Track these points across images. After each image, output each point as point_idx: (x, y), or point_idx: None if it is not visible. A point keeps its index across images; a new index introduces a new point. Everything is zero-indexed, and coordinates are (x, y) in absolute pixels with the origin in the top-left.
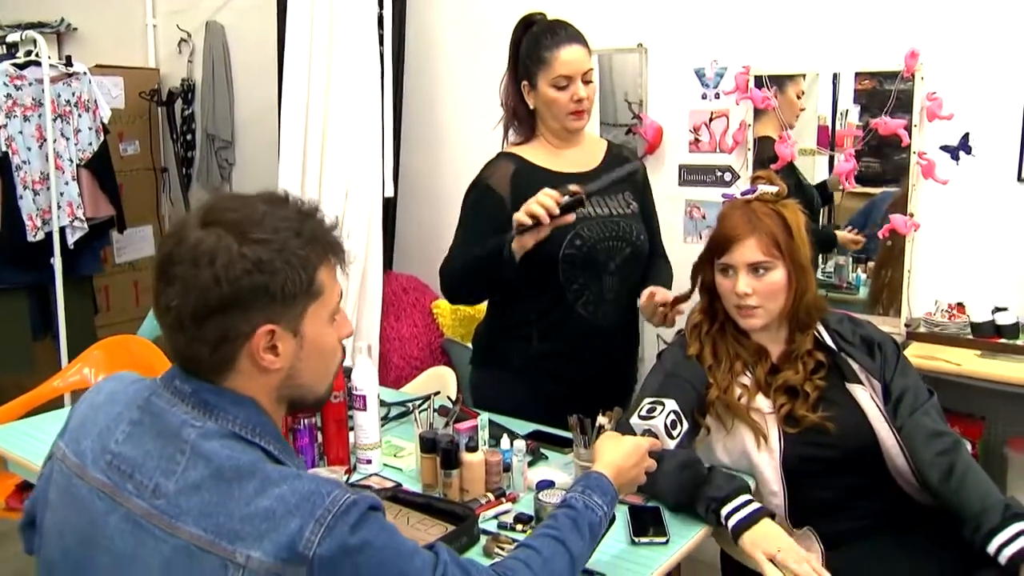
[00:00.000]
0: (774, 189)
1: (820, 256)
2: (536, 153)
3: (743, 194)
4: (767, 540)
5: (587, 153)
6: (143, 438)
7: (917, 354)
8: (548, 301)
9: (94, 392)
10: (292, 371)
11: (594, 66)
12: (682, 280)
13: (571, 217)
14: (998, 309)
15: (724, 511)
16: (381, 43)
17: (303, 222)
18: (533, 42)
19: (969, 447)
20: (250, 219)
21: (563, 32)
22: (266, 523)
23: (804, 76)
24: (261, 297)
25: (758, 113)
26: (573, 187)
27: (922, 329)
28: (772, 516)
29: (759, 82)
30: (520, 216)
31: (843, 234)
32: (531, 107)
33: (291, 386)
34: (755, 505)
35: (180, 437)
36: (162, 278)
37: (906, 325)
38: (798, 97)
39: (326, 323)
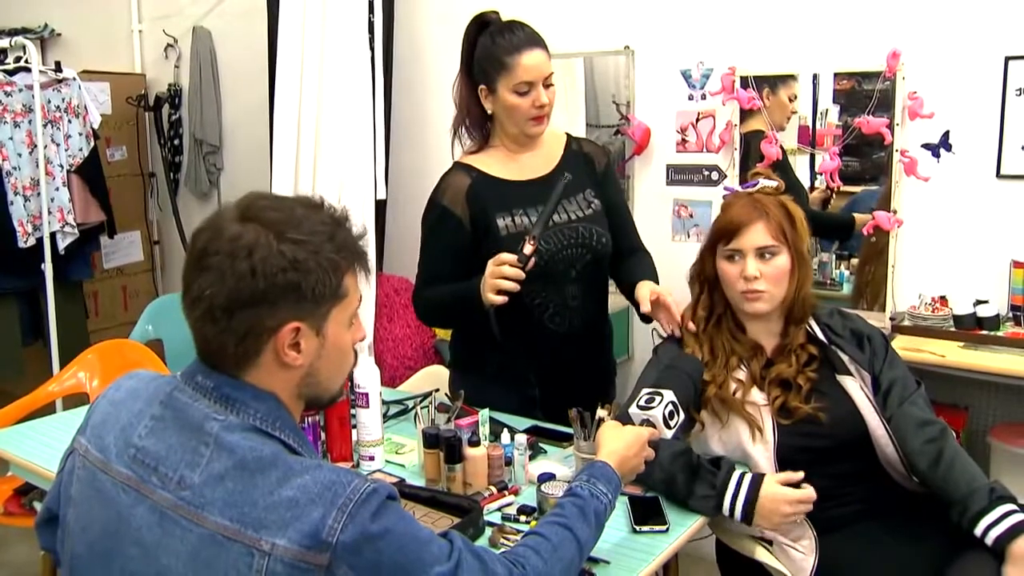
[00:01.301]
0: (773, 184)
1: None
2: (491, 162)
3: (744, 187)
4: (770, 516)
5: (544, 156)
6: (166, 432)
7: (902, 346)
8: (514, 316)
9: (114, 389)
10: (311, 369)
11: (571, 69)
12: (670, 275)
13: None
14: (979, 302)
15: (725, 506)
16: (371, 49)
17: (336, 228)
18: (491, 44)
19: (955, 437)
20: (289, 220)
21: (522, 34)
22: (290, 512)
23: (796, 79)
24: (292, 295)
25: (749, 112)
26: (527, 249)
27: (906, 322)
28: (762, 477)
29: (744, 82)
30: (495, 298)
31: (862, 217)
32: (488, 111)
33: (309, 384)
34: (748, 480)
35: (203, 430)
36: (196, 267)
37: (891, 319)
38: (790, 100)
39: (345, 326)
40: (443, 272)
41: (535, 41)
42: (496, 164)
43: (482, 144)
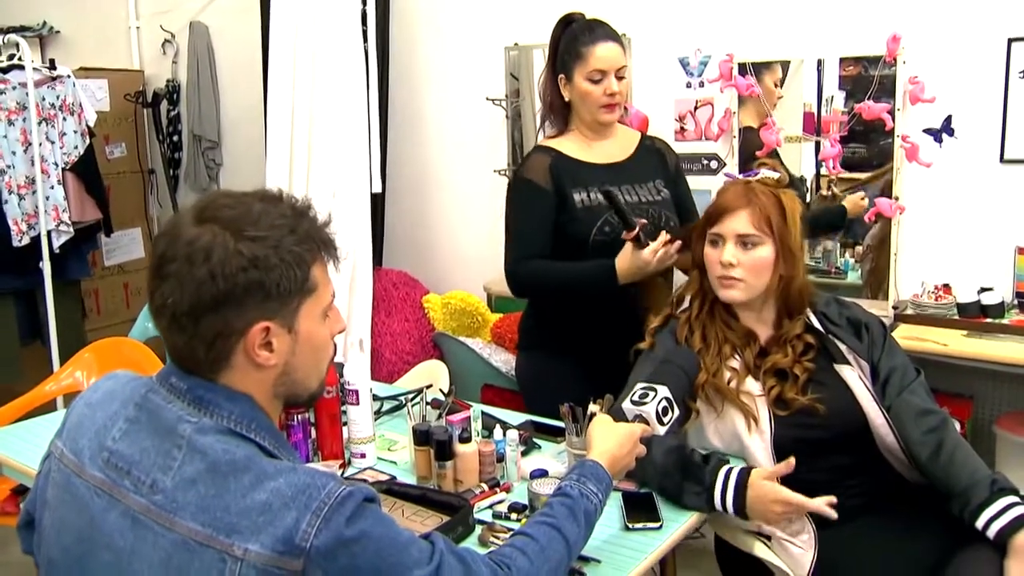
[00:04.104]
0: (776, 175)
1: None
2: (569, 145)
3: (744, 174)
4: (764, 515)
5: (619, 145)
6: (140, 435)
7: (905, 335)
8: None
9: (91, 391)
10: (287, 367)
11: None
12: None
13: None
14: (983, 289)
15: (717, 502)
16: (365, 39)
17: (297, 220)
18: (571, 38)
19: (958, 426)
20: (246, 216)
21: (600, 30)
22: (263, 516)
23: (780, 64)
24: (256, 294)
25: (739, 102)
26: (639, 229)
27: (909, 311)
28: (748, 474)
29: (743, 70)
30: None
31: (851, 198)
32: (566, 100)
33: (286, 382)
34: (734, 476)
35: (176, 433)
36: (157, 275)
37: (893, 307)
38: (776, 85)
39: (319, 320)
40: (538, 244)
41: (610, 35)
42: (573, 147)
43: (561, 130)
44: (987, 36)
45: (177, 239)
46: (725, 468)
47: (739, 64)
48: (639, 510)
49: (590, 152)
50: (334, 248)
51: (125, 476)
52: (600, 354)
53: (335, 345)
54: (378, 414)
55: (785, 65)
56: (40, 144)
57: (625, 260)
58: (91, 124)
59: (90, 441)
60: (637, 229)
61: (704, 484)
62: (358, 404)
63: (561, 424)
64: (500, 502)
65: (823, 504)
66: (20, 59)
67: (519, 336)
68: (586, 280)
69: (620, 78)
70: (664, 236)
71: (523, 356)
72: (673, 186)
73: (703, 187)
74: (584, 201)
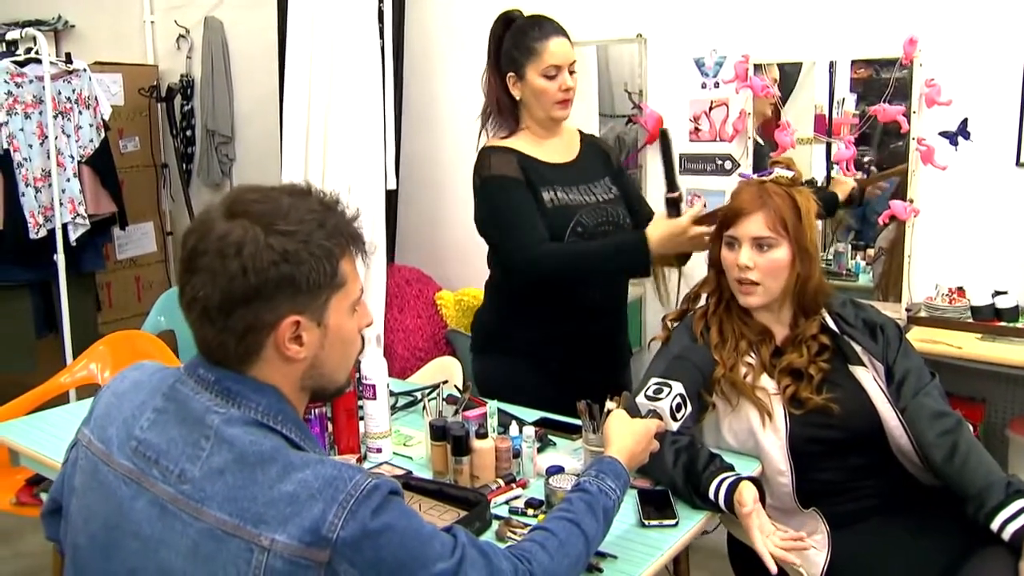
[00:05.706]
0: (790, 174)
1: (825, 232)
2: (524, 144)
3: (759, 174)
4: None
5: (566, 143)
6: (168, 425)
7: (918, 338)
8: (545, 290)
9: (118, 380)
10: (315, 361)
11: (583, 57)
12: (688, 269)
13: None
14: (998, 292)
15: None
16: (381, 36)
17: (326, 214)
18: (520, 35)
19: (971, 430)
20: (276, 211)
21: (549, 25)
22: (290, 507)
23: (777, 65)
24: (287, 288)
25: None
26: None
27: (923, 313)
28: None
29: (758, 71)
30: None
31: (838, 180)
32: (517, 98)
33: (314, 376)
34: (723, 492)
35: (204, 423)
36: (188, 269)
37: (907, 310)
38: (772, 83)
39: (348, 314)
40: (541, 229)
41: (560, 30)
42: (528, 146)
43: (512, 131)
44: (1004, 40)
45: (208, 233)
46: (716, 481)
47: (754, 65)
48: (655, 507)
49: (543, 151)
50: (362, 242)
51: (153, 465)
52: (566, 358)
53: (363, 339)
54: (392, 409)
55: (784, 66)
56: (56, 137)
57: (659, 227)
58: (106, 118)
59: (118, 430)
60: (679, 191)
61: (700, 492)
62: (375, 399)
63: (575, 421)
64: (516, 498)
65: (767, 556)
66: (37, 53)
67: (475, 338)
68: (616, 252)
69: (572, 73)
70: (699, 205)
71: (482, 360)
72: (620, 182)
73: (717, 187)
74: (553, 200)
